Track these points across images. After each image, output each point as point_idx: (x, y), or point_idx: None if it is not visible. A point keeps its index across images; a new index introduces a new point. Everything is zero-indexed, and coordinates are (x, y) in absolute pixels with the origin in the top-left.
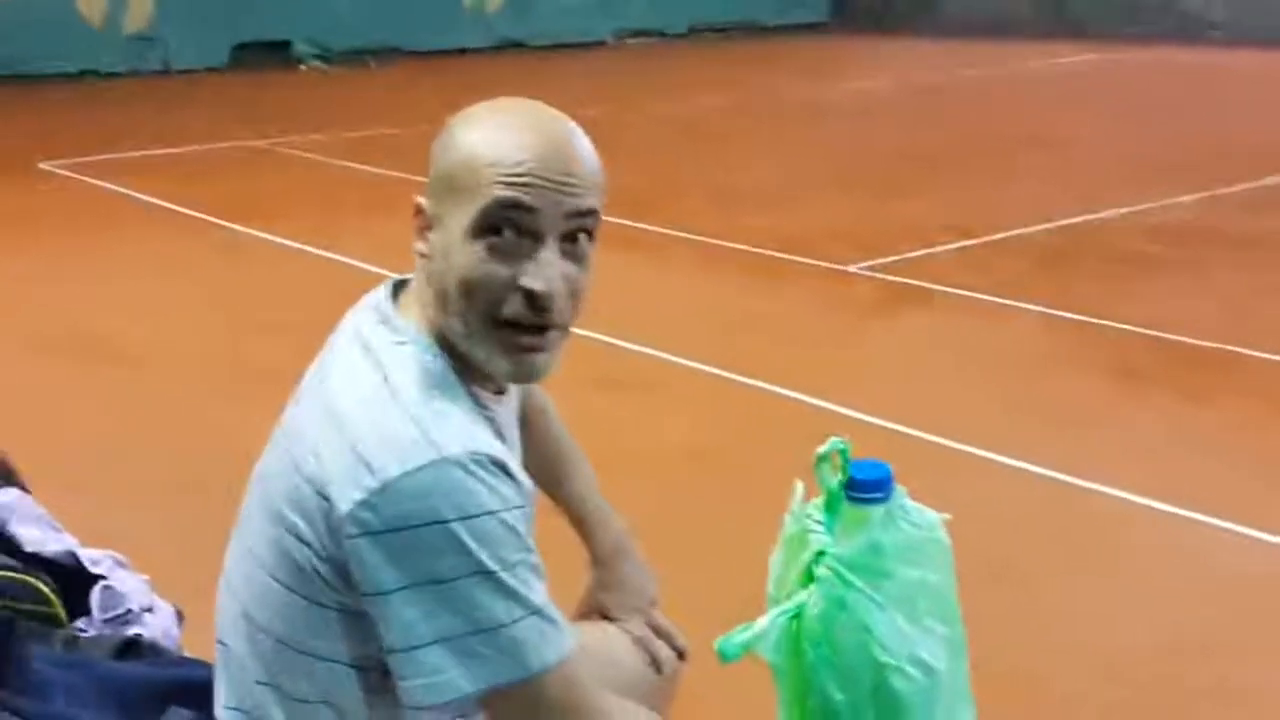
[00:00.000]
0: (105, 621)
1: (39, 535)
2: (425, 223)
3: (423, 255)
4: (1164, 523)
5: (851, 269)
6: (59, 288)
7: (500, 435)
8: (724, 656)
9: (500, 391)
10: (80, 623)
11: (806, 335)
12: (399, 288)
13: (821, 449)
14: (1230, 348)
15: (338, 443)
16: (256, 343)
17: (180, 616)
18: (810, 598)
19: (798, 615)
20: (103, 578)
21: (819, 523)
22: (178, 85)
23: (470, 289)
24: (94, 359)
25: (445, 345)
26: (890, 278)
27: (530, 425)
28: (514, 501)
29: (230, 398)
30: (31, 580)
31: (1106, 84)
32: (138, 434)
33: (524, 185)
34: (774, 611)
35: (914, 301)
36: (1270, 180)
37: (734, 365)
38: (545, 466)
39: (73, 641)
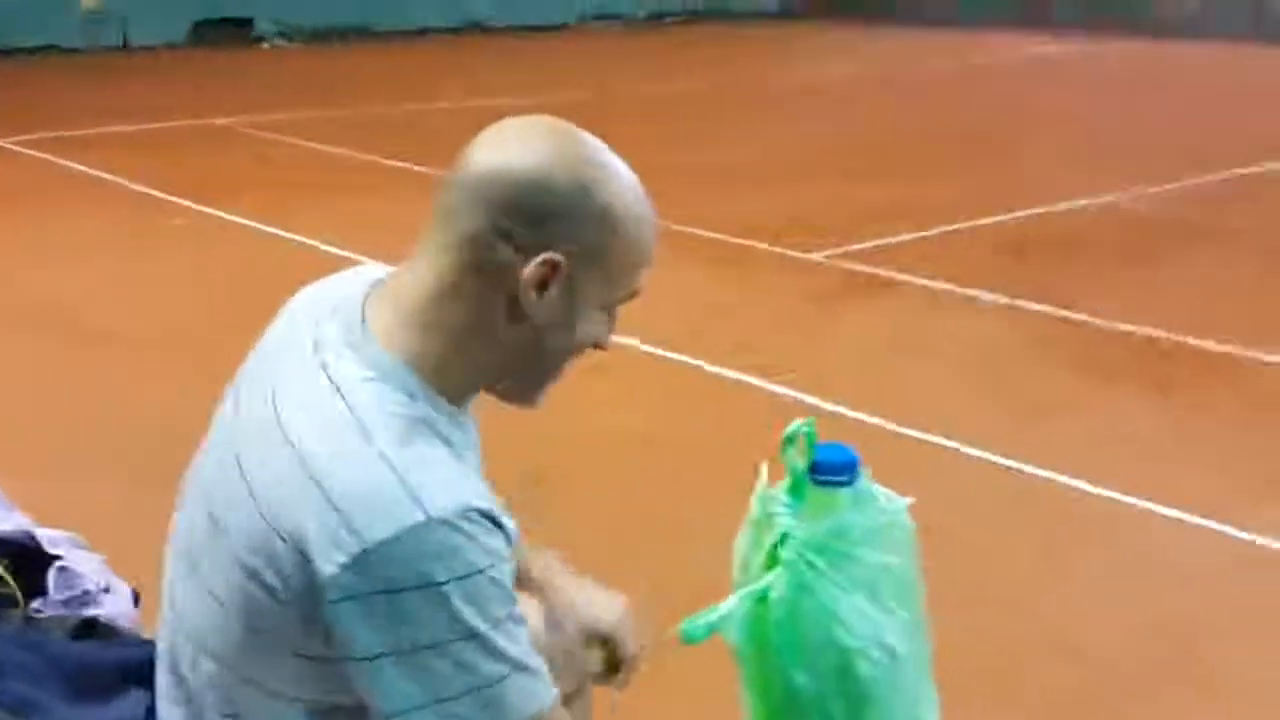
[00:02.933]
0: (62, 602)
1: None
2: (553, 281)
3: (526, 304)
4: (1125, 513)
5: (816, 257)
6: (12, 265)
7: (473, 445)
8: (688, 638)
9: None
10: (36, 603)
11: (770, 323)
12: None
13: (787, 431)
14: (1196, 341)
15: (313, 496)
16: (215, 321)
17: (137, 597)
18: (775, 581)
19: (762, 598)
20: (59, 558)
21: (784, 505)
22: (137, 62)
23: (579, 350)
24: (51, 336)
25: (424, 369)
26: (855, 266)
27: None
28: (502, 554)
29: (189, 375)
30: None
31: (1076, 75)
32: (95, 412)
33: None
34: (739, 594)
35: (878, 290)
36: (1238, 172)
37: (696, 352)
38: None
39: (29, 622)
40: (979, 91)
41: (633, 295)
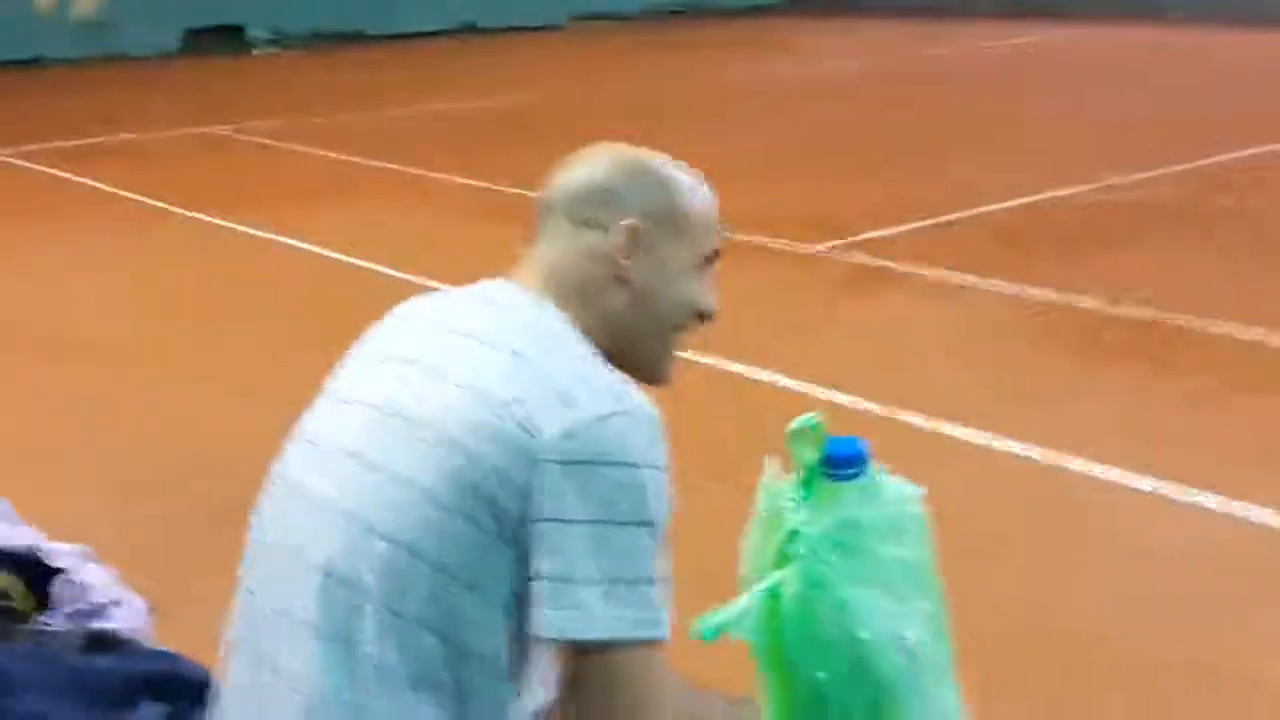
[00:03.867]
0: (71, 615)
1: (2, 530)
2: (635, 244)
3: (621, 268)
4: (1132, 496)
5: (817, 249)
6: (14, 280)
7: None
8: (701, 637)
9: None
10: (45, 616)
11: (774, 316)
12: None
13: (795, 425)
14: (1194, 321)
15: (535, 379)
16: (217, 332)
17: (150, 608)
18: (787, 577)
19: (775, 595)
20: (64, 571)
21: (793, 500)
22: (130, 72)
23: (681, 307)
24: (54, 353)
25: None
26: (856, 258)
27: None
28: (668, 468)
29: (195, 388)
30: None
31: (1063, 62)
32: (104, 428)
33: (719, 237)
34: (751, 591)
35: (880, 281)
36: (1225, 156)
37: (700, 347)
38: None
39: (38, 635)
40: (972, 81)
41: (715, 255)
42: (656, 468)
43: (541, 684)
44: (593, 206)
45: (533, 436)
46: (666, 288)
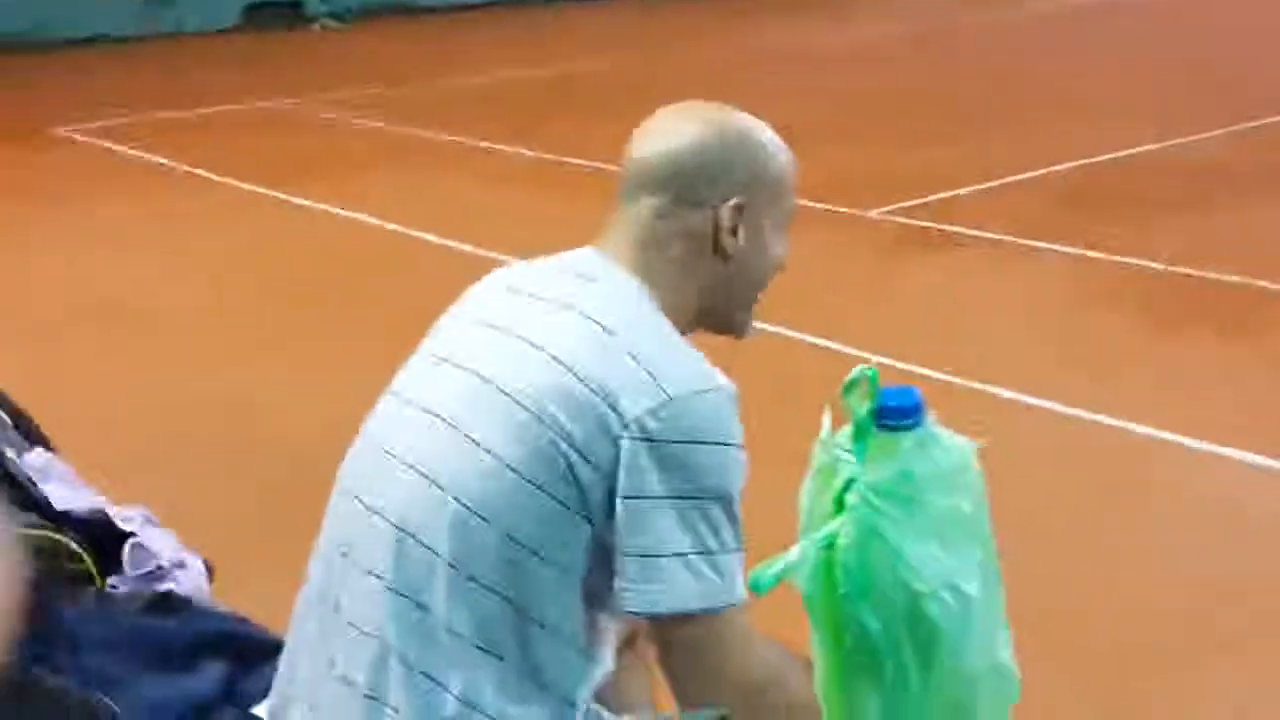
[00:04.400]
0: (137, 578)
1: (68, 494)
2: (740, 221)
3: (724, 244)
4: (1197, 460)
5: (873, 214)
6: (82, 253)
7: None
8: (757, 589)
9: None
10: (112, 579)
11: (830, 281)
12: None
13: (850, 376)
14: (1260, 283)
15: (617, 354)
16: (282, 301)
17: (210, 570)
18: (842, 526)
19: (830, 544)
20: (133, 535)
21: (849, 451)
22: (191, 47)
23: (772, 269)
24: (121, 323)
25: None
26: (913, 221)
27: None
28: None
29: (258, 357)
30: (62, 539)
31: (1118, 22)
32: (166, 396)
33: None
34: (806, 541)
35: (937, 245)
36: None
37: (758, 313)
38: None
39: (105, 598)
40: (1027, 42)
41: (794, 210)
42: (736, 444)
43: (607, 653)
44: (688, 183)
45: (618, 414)
46: (763, 255)
